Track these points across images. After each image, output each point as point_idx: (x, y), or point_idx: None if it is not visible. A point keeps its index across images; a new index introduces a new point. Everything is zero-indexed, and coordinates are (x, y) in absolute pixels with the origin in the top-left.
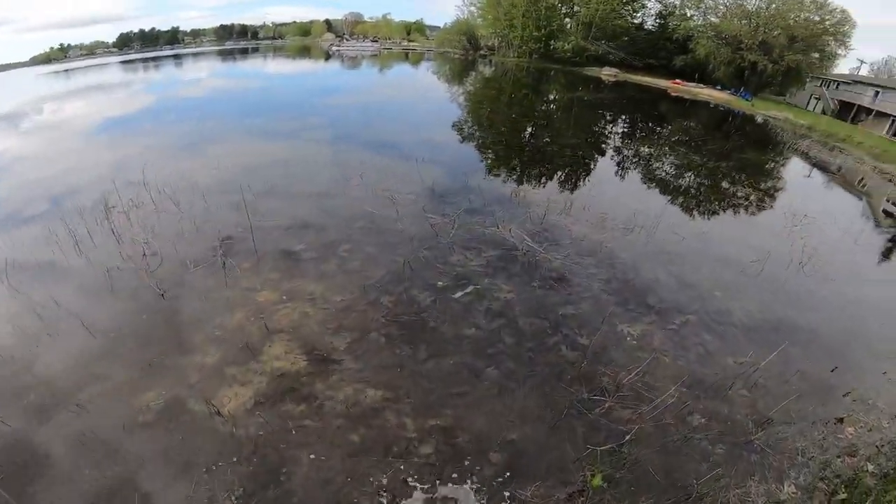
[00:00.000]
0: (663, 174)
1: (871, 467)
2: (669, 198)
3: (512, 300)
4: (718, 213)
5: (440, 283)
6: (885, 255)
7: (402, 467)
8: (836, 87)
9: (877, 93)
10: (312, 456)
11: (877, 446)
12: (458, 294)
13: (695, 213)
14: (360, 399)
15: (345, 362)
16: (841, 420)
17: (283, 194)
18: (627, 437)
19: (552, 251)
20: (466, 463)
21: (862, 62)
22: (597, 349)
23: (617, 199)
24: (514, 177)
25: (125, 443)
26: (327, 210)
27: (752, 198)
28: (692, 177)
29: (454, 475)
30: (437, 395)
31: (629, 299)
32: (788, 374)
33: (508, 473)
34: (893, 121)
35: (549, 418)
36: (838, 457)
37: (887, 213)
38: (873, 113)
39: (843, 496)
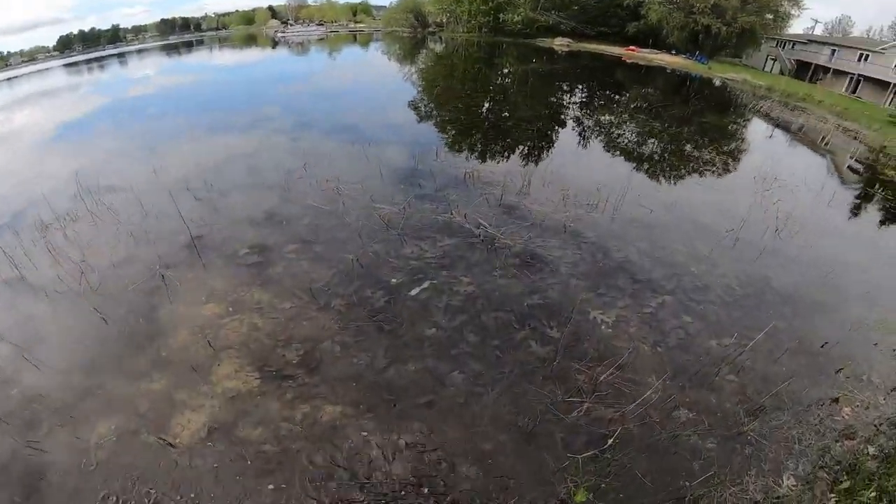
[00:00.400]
0: (625, 143)
1: (871, 449)
2: (633, 167)
3: (473, 293)
4: (685, 181)
5: (393, 280)
6: (857, 213)
7: (368, 491)
8: (792, 47)
9: (833, 51)
10: (272, 486)
11: (875, 426)
12: (415, 291)
13: (661, 182)
14: (318, 417)
15: (299, 377)
16: (836, 400)
17: (227, 195)
18: (610, 441)
19: (512, 235)
20: (438, 481)
21: (816, 21)
22: (569, 342)
23: (578, 172)
24: (469, 156)
25: (84, 484)
26: (273, 209)
27: (717, 163)
28: (655, 144)
29: (426, 492)
30: (401, 407)
31: (599, 283)
32: (777, 353)
33: (484, 490)
34: (851, 78)
35: (524, 425)
36: (836, 441)
37: (853, 170)
38: (830, 71)
39: (846, 484)
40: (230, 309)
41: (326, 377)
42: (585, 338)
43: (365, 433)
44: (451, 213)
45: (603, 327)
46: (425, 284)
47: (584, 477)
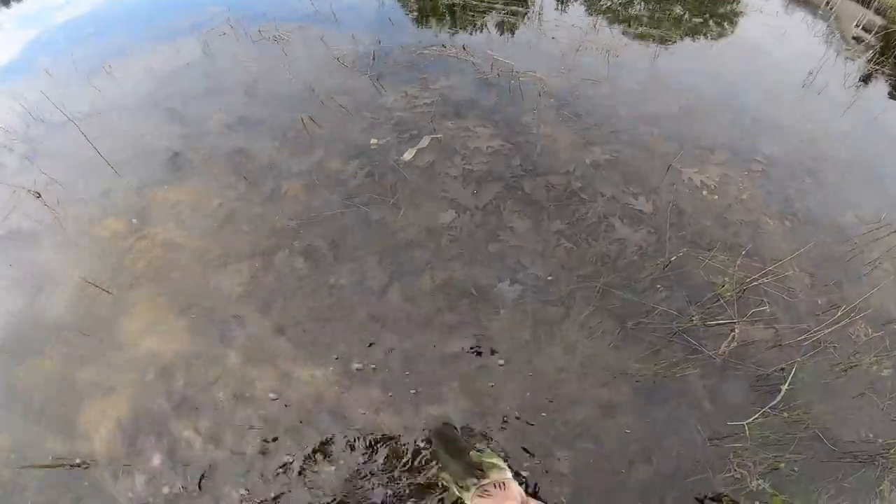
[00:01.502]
0: None
1: None
2: None
3: (503, 150)
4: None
5: (374, 140)
6: None
7: None
8: None
9: None
10: None
11: None
12: (409, 154)
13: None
14: (287, 392)
15: (250, 319)
16: None
17: (119, 64)
18: (784, 389)
19: (540, 68)
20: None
21: None
22: (671, 218)
23: None
24: None
25: None
26: (184, 70)
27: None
28: None
29: None
30: (428, 358)
31: (680, 131)
32: None
33: (594, 494)
34: None
35: (640, 372)
36: None
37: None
38: None
39: None
40: (135, 221)
41: (294, 314)
42: (688, 211)
43: (379, 413)
44: (444, 46)
45: (705, 192)
46: (424, 142)
47: (761, 456)
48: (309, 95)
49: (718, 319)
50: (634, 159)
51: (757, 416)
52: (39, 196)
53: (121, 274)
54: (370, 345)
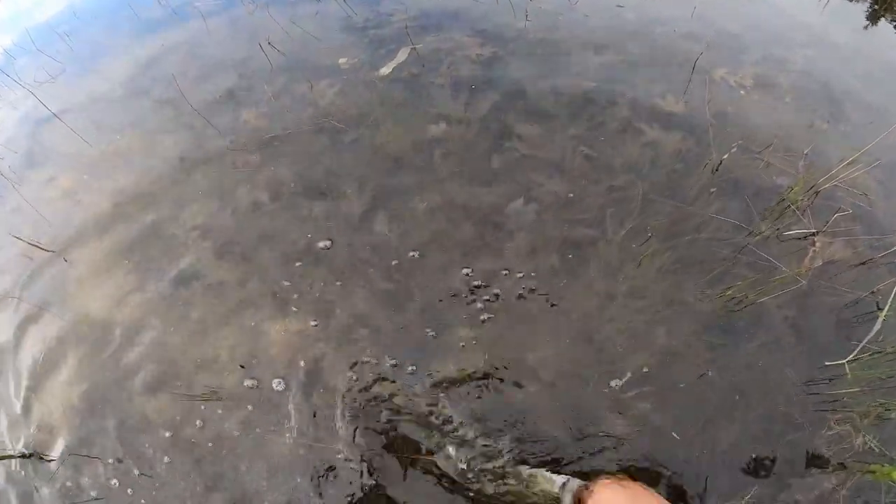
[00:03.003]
0: None
1: None
2: None
3: (496, 57)
4: None
5: (343, 60)
6: None
7: None
8: None
9: None
10: None
11: None
12: (387, 68)
13: None
14: (261, 346)
15: (202, 275)
16: None
17: None
18: (882, 316)
19: None
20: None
21: None
22: (711, 119)
23: None
24: None
25: None
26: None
27: None
28: None
29: None
30: (417, 307)
31: (700, 32)
32: None
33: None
34: None
35: (704, 304)
36: None
37: None
38: None
39: None
40: (85, 177)
41: (255, 258)
42: (728, 111)
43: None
44: None
45: (742, 93)
46: (402, 55)
47: (866, 405)
48: (266, 25)
49: (795, 229)
50: (653, 60)
51: (856, 352)
52: None
53: (63, 232)
54: (361, 287)
